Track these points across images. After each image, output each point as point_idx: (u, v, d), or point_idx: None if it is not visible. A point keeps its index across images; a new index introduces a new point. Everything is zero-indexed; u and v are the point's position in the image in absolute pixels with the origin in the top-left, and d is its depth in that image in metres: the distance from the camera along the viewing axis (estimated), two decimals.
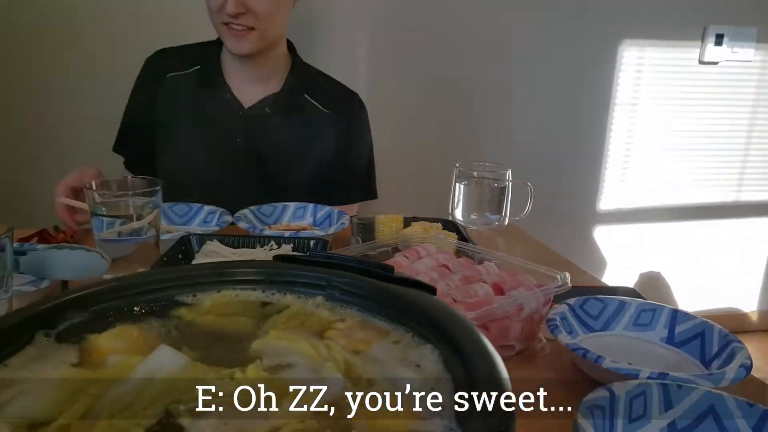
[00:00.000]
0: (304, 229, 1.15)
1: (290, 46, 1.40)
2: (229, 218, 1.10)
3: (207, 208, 1.15)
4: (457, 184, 1.13)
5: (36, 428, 0.34)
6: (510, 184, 1.12)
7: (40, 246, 0.82)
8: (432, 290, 0.49)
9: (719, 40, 2.18)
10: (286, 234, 1.01)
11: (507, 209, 1.12)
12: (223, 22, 1.21)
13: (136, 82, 1.40)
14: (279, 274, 0.53)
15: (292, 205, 1.21)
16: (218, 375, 0.39)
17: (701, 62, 2.22)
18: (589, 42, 2.12)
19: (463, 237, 1.02)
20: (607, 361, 0.59)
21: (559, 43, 2.08)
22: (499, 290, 0.71)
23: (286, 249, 0.93)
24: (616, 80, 2.18)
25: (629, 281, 2.43)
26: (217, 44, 1.34)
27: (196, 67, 1.35)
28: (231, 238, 0.95)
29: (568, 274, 0.71)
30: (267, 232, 1.05)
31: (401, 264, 0.76)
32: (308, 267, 0.53)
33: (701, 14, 2.16)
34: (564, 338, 0.64)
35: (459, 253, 0.84)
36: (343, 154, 1.38)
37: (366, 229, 1.07)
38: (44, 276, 0.80)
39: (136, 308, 0.47)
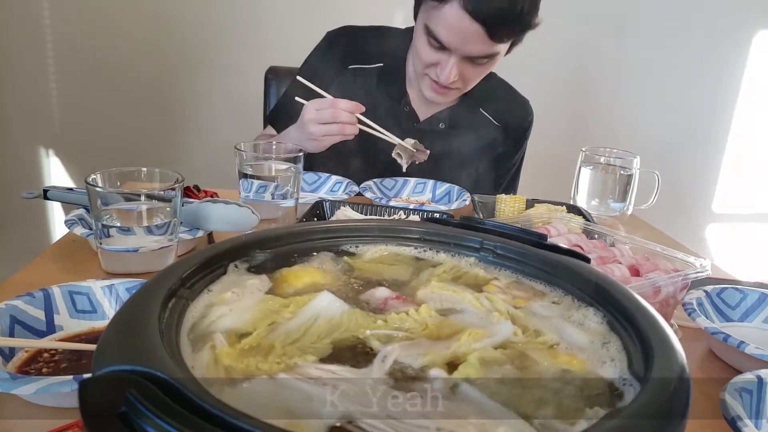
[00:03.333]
0: (423, 203, 1.19)
1: None
2: (355, 188, 1.16)
3: (334, 177, 1.21)
4: (582, 169, 1.12)
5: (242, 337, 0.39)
6: (638, 172, 1.09)
7: (196, 200, 0.90)
8: (586, 259, 0.51)
9: None
10: (411, 207, 1.05)
11: (633, 198, 1.10)
12: (430, 77, 1.15)
13: (313, 55, 1.32)
14: (432, 234, 0.56)
15: (412, 180, 1.24)
16: (384, 317, 0.42)
17: None
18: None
19: (587, 221, 1.01)
20: (750, 347, 0.58)
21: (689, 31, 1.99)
22: (635, 272, 0.70)
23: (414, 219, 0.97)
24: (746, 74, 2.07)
25: None
26: (404, 38, 1.26)
27: (378, 64, 1.29)
28: (361, 206, 1.00)
29: (708, 261, 0.70)
30: (393, 203, 1.10)
31: None
32: (461, 230, 0.56)
33: None
34: (703, 322, 0.64)
35: (589, 235, 0.84)
36: (501, 160, 1.36)
37: (487, 207, 1.09)
38: (198, 227, 0.87)
39: (314, 252, 0.52)
